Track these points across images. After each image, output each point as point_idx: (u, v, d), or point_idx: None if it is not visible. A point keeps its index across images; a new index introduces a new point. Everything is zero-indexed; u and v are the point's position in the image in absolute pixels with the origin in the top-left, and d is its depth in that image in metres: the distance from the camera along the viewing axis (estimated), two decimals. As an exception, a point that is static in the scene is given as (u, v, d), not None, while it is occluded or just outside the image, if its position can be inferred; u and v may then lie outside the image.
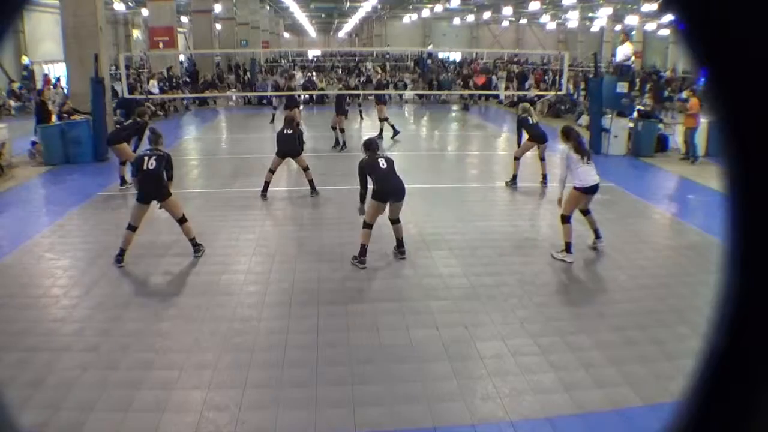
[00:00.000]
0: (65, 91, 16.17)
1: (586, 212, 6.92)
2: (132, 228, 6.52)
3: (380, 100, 15.61)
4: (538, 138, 10.11)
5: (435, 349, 4.68)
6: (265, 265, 6.52)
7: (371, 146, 6.72)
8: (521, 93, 23.14)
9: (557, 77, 24.06)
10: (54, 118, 12.67)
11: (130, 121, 10.23)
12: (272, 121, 17.54)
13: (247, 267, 6.47)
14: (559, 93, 19.57)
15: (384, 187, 6.47)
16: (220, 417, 3.82)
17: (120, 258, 6.49)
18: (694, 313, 5.18)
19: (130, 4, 33.76)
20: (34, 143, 12.44)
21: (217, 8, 28.68)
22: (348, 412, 3.85)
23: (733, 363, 0.41)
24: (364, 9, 38.13)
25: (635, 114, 13.54)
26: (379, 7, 40.34)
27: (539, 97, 21.00)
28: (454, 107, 22.80)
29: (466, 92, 23.26)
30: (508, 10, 36.06)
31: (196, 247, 6.73)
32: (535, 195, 9.92)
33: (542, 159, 10.20)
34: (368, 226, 6.44)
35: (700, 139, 12.28)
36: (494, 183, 10.77)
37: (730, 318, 0.41)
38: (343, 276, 6.18)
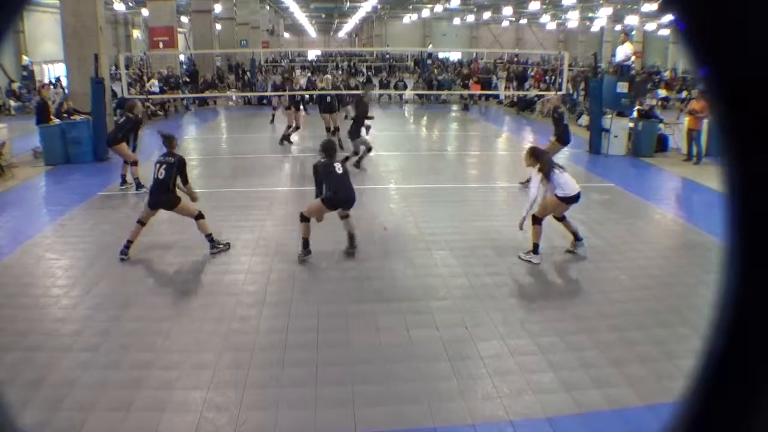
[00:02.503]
0: (65, 90, 16.18)
1: (560, 218, 6.77)
2: (141, 222, 6.68)
3: (329, 109, 13.84)
4: (566, 140, 9.78)
5: (435, 349, 4.68)
6: (265, 265, 6.51)
7: (330, 150, 6.60)
8: (521, 93, 23.17)
9: (556, 77, 24.07)
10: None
11: (124, 118, 10.21)
12: (272, 121, 17.54)
13: (247, 267, 6.47)
14: (558, 93, 19.58)
15: (338, 195, 6.41)
16: (220, 417, 3.82)
17: (125, 250, 6.56)
18: (694, 313, 5.18)
19: (130, 4, 33.77)
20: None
21: (217, 8, 28.70)
22: (348, 412, 3.85)
23: (733, 363, 0.41)
24: (364, 9, 38.15)
25: (635, 114, 13.54)
26: (379, 7, 40.37)
27: (539, 97, 21.01)
28: (454, 107, 22.80)
29: (466, 92, 23.26)
30: (508, 10, 36.09)
31: (213, 244, 6.75)
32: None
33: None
34: (306, 219, 6.50)
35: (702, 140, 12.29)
36: (494, 183, 10.77)
37: (730, 318, 0.41)
38: (343, 276, 6.18)
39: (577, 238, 6.83)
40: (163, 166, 6.53)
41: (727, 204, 0.41)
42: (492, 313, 5.30)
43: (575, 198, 6.50)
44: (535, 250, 6.55)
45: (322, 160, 6.51)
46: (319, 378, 4.24)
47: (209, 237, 6.76)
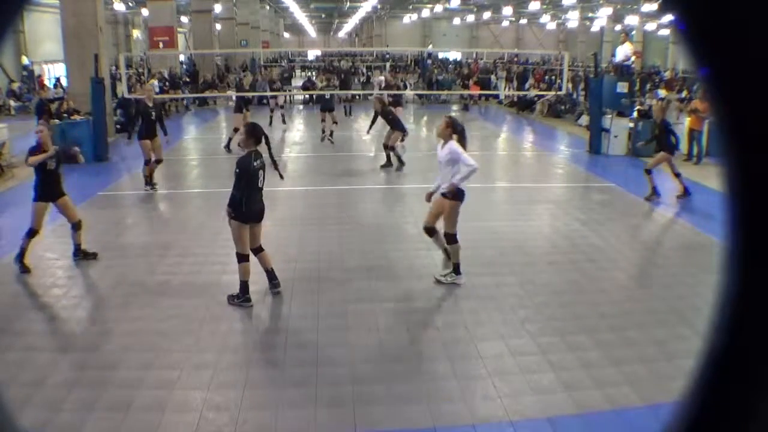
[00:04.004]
0: (64, 90, 16.22)
1: (433, 231, 5.96)
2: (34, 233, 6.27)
3: (329, 108, 14.29)
4: (672, 148, 9.15)
5: (435, 349, 4.68)
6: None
7: (256, 134, 5.34)
8: (521, 93, 23.16)
9: (556, 77, 24.06)
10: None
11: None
12: (270, 123, 17.50)
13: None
14: (559, 93, 19.58)
15: (249, 207, 5.31)
16: (220, 417, 3.82)
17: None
18: (694, 313, 5.18)
19: (130, 4, 33.77)
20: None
21: (217, 8, 28.70)
22: (348, 412, 3.85)
23: (733, 363, 0.41)
24: (364, 9, 38.13)
25: (635, 114, 13.55)
26: (379, 7, 40.34)
27: (539, 96, 21.00)
28: (454, 107, 22.80)
29: (466, 92, 23.26)
30: (508, 10, 36.10)
31: (80, 254, 6.48)
32: (535, 195, 9.91)
33: (677, 174, 9.25)
34: (245, 258, 5.39)
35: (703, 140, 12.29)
36: (494, 183, 10.76)
37: (730, 318, 0.41)
38: (343, 276, 6.18)
39: (448, 257, 5.95)
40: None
41: (728, 204, 0.41)
42: (492, 313, 5.30)
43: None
44: (457, 270, 5.85)
45: (247, 154, 5.30)
46: (319, 378, 4.24)
47: (78, 247, 6.51)
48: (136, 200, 9.65)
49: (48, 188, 6.22)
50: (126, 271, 6.37)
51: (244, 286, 5.39)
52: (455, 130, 5.70)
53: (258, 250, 5.53)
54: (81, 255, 6.55)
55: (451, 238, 5.75)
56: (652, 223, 8.62)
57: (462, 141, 5.69)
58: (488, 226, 7.96)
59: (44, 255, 6.90)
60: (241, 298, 5.39)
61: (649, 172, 9.25)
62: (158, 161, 9.88)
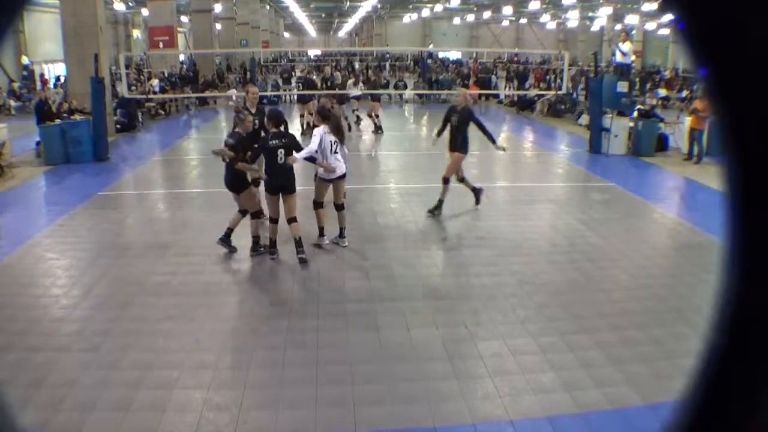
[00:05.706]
0: (63, 90, 16.23)
1: (286, 221, 6.68)
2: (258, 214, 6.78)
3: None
4: (467, 147, 8.58)
5: (435, 349, 4.68)
6: (265, 265, 6.51)
7: (277, 118, 6.33)
8: (521, 92, 23.17)
9: (557, 76, 24.06)
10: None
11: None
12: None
13: (248, 267, 6.46)
14: (559, 93, 19.59)
15: (271, 180, 6.30)
16: (220, 417, 3.82)
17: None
18: (694, 313, 5.18)
19: (130, 4, 33.78)
20: (39, 143, 12.45)
21: (217, 8, 28.72)
22: (348, 411, 3.85)
23: (734, 362, 0.41)
24: (364, 9, 38.17)
25: (635, 113, 13.55)
26: (379, 6, 40.37)
27: (539, 96, 21.00)
28: (454, 107, 22.79)
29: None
30: (508, 10, 36.12)
31: (261, 249, 6.67)
32: (535, 195, 9.91)
33: (462, 179, 8.61)
34: (273, 221, 6.41)
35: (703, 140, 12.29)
36: (494, 183, 10.77)
37: (730, 317, 0.41)
38: (343, 275, 6.18)
39: (341, 234, 6.99)
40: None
41: (727, 203, 0.41)
42: (492, 313, 5.30)
43: (339, 178, 6.72)
44: (321, 232, 6.90)
45: (270, 132, 6.27)
46: (319, 378, 4.24)
47: (256, 239, 6.73)
48: (136, 200, 9.66)
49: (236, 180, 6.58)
50: (126, 271, 6.37)
51: (272, 242, 6.50)
52: (324, 119, 6.63)
53: (290, 221, 6.38)
54: (262, 248, 6.67)
55: (314, 204, 6.88)
56: (652, 223, 8.62)
57: (325, 122, 6.58)
58: (488, 225, 7.96)
59: (44, 255, 6.90)
60: (268, 250, 6.51)
61: (446, 180, 8.36)
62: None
